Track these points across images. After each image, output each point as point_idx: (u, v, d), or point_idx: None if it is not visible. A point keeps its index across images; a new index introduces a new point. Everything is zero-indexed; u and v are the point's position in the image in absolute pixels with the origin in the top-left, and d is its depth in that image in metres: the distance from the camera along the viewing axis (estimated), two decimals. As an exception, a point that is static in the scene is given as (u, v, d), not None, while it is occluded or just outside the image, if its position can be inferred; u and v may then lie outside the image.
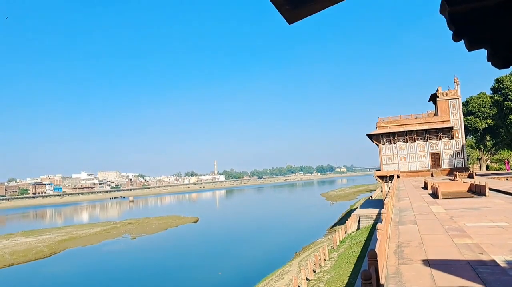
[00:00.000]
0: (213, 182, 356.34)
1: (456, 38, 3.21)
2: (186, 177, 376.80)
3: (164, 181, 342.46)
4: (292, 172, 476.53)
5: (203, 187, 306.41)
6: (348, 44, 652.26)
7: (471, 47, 3.20)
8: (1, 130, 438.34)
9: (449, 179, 40.31)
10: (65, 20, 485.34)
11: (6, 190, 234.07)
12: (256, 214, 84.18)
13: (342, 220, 50.87)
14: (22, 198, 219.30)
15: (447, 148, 51.87)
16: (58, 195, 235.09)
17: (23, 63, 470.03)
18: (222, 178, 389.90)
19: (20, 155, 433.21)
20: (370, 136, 54.69)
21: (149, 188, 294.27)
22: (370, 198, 65.67)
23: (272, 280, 25.75)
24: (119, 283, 33.09)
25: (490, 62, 3.21)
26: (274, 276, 26.94)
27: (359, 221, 37.42)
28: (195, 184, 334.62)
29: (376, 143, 54.30)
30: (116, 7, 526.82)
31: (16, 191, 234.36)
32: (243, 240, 49.69)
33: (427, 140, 52.55)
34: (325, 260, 25.03)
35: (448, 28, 3.27)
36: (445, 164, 51.92)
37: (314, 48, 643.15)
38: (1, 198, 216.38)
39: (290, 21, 3.06)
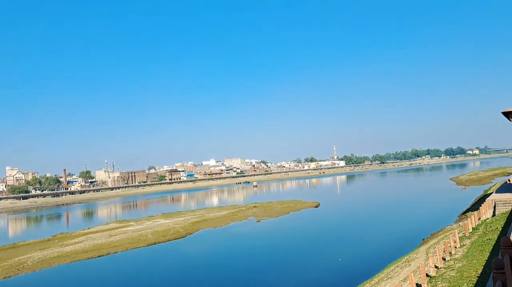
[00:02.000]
0: (333, 167, 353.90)
1: None
2: (306, 162, 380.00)
3: (284, 166, 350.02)
4: (417, 156, 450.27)
5: (323, 172, 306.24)
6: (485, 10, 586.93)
7: None
8: (143, 125, 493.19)
9: None
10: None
11: (147, 176, 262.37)
12: (379, 200, 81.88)
13: (475, 206, 46.97)
14: (160, 183, 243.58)
15: None
16: (191, 181, 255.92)
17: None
18: (342, 163, 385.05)
19: (158, 145, 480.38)
20: (506, 114, 49.17)
21: (271, 173, 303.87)
22: (508, 182, 59.19)
23: (398, 266, 25.11)
24: (244, 262, 35.26)
25: None
26: (400, 262, 26.20)
27: (495, 207, 34.27)
28: (315, 169, 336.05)
29: (515, 122, 48.69)
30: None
31: (155, 178, 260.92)
32: (366, 226, 48.89)
33: None
34: (456, 247, 23.57)
35: None
36: None
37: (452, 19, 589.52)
38: (143, 184, 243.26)
39: None
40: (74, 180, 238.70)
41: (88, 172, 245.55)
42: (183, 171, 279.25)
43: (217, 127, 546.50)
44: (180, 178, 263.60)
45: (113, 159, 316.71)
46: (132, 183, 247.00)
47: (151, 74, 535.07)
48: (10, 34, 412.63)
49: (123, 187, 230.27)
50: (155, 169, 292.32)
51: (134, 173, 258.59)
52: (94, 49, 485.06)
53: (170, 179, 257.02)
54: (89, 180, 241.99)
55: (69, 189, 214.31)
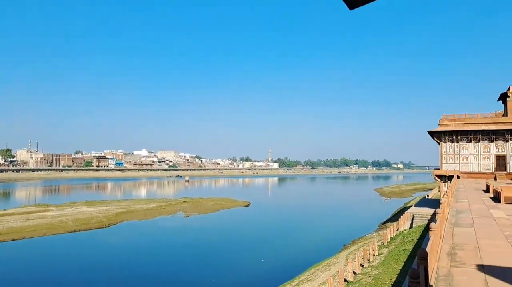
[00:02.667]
0: (267, 169, 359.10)
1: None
2: (241, 161, 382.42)
3: (219, 164, 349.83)
4: (346, 165, 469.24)
5: (257, 173, 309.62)
6: (414, 35, 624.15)
7: (351, 6, 3.02)
8: (70, 104, 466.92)
9: (515, 184, 37.95)
10: None
11: (73, 161, 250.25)
12: (307, 204, 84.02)
13: (395, 217, 49.60)
14: (86, 170, 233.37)
15: (516, 151, 48.73)
16: (119, 170, 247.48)
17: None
18: (275, 165, 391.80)
19: (87, 129, 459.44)
20: (432, 133, 52.54)
21: (204, 169, 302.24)
22: (426, 197, 63.24)
23: (318, 270, 25.76)
24: (169, 257, 34.49)
25: None
26: (321, 266, 26.92)
27: (412, 220, 36.33)
28: (249, 169, 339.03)
29: (437, 141, 52.09)
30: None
31: (81, 163, 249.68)
32: (292, 228, 49.90)
33: (492, 141, 49.66)
34: (374, 255, 24.63)
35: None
36: (511, 167, 48.89)
37: (375, 38, 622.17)
38: (68, 168, 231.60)
39: (351, 7, 3.05)
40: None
41: (8, 150, 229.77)
42: (112, 159, 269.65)
43: (153, 118, 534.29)
44: (108, 166, 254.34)
45: (37, 140, 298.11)
46: (56, 166, 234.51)
47: (80, 49, 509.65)
48: None
49: (46, 169, 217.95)
50: (82, 154, 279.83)
51: (59, 156, 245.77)
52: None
53: (98, 166, 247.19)
54: (9, 159, 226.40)
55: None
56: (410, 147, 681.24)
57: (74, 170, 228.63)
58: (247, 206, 73.27)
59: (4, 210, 56.61)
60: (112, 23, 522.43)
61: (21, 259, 33.37)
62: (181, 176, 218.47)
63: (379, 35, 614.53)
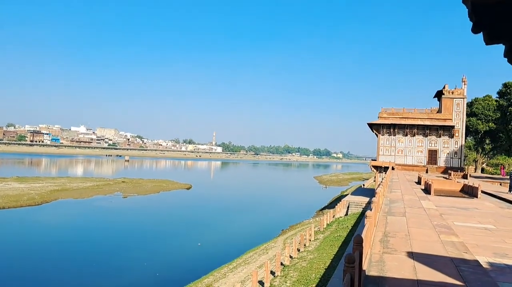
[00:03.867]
0: (210, 153, 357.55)
1: (475, 29, 3.14)
2: (184, 144, 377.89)
3: (161, 145, 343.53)
4: (289, 152, 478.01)
5: (200, 156, 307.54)
6: (361, 29, 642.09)
7: (489, 40, 3.13)
8: (3, 73, 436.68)
9: (444, 177, 40.46)
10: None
11: (4, 134, 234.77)
12: (248, 189, 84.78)
13: (332, 204, 51.29)
14: (19, 144, 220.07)
15: (446, 146, 51.89)
16: (55, 146, 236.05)
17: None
18: (219, 149, 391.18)
19: (21, 101, 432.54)
20: (371, 125, 54.62)
21: (146, 150, 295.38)
22: (362, 186, 66.03)
23: (256, 253, 26.10)
24: (102, 238, 33.49)
25: (506, 59, 3.15)
26: (259, 250, 27.29)
27: (348, 207, 37.74)
28: (192, 152, 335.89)
29: (375, 133, 54.25)
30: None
31: (13, 137, 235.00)
32: (232, 212, 50.16)
33: (426, 136, 52.52)
34: (310, 240, 25.33)
35: (468, 19, 3.19)
36: (442, 161, 52.03)
37: (322, 31, 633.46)
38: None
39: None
40: None
41: None
42: (47, 134, 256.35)
43: (92, 94, 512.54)
44: (43, 141, 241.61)
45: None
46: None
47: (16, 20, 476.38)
48: None
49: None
50: (14, 127, 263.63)
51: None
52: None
53: (32, 141, 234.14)
54: None
55: None
56: (350, 138, 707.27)
57: (5, 143, 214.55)
58: (188, 189, 72.66)
59: None
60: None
61: None
62: (121, 156, 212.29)
63: (327, 23, 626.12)
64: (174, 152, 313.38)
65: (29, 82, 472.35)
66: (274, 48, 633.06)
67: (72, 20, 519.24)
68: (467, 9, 3.16)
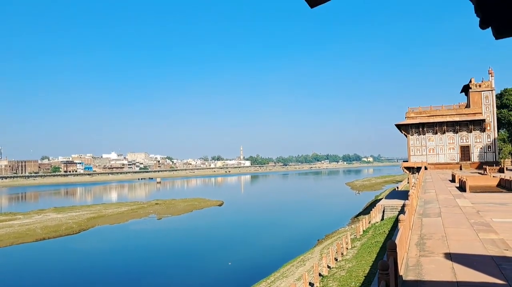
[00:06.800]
0: (239, 167, 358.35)
1: (483, 25, 3.11)
2: (213, 161, 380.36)
3: (191, 164, 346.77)
4: (317, 160, 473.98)
5: (229, 171, 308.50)
6: (382, 28, 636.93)
7: (498, 35, 3.09)
8: (35, 109, 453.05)
9: (478, 173, 39.28)
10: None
11: (39, 167, 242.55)
12: (280, 200, 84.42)
13: (367, 210, 50.46)
14: (54, 175, 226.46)
15: (478, 141, 50.45)
16: (88, 174, 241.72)
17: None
18: (247, 163, 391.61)
19: (53, 133, 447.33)
20: (399, 127, 53.73)
21: (176, 170, 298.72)
22: (396, 189, 64.72)
23: (293, 266, 25.89)
24: (141, 261, 33.94)
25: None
26: (296, 262, 27.07)
27: (383, 212, 37.02)
28: (221, 168, 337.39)
29: (404, 134, 53.31)
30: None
31: (48, 169, 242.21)
32: (266, 226, 50.01)
33: (457, 132, 51.23)
34: (347, 248, 24.94)
35: (475, 15, 3.16)
36: (475, 157, 50.56)
37: (344, 32, 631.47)
38: (34, 175, 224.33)
39: (312, 5, 3.02)
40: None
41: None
42: (80, 163, 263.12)
43: (122, 119, 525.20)
44: (76, 171, 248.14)
45: (0, 146, 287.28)
46: (22, 173, 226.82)
47: (37, 47, 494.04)
48: None
49: (11, 177, 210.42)
50: (49, 160, 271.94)
51: (25, 162, 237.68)
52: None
53: (66, 171, 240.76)
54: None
55: None
56: (379, 140, 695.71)
57: (41, 176, 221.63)
58: (220, 205, 72.99)
59: (-33, 220, 54.39)
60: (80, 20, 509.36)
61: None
62: (152, 178, 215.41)
63: (347, 26, 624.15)
64: (204, 170, 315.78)
65: (59, 114, 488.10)
66: (297, 56, 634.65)
67: (100, 45, 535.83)
68: (473, 5, 3.14)
